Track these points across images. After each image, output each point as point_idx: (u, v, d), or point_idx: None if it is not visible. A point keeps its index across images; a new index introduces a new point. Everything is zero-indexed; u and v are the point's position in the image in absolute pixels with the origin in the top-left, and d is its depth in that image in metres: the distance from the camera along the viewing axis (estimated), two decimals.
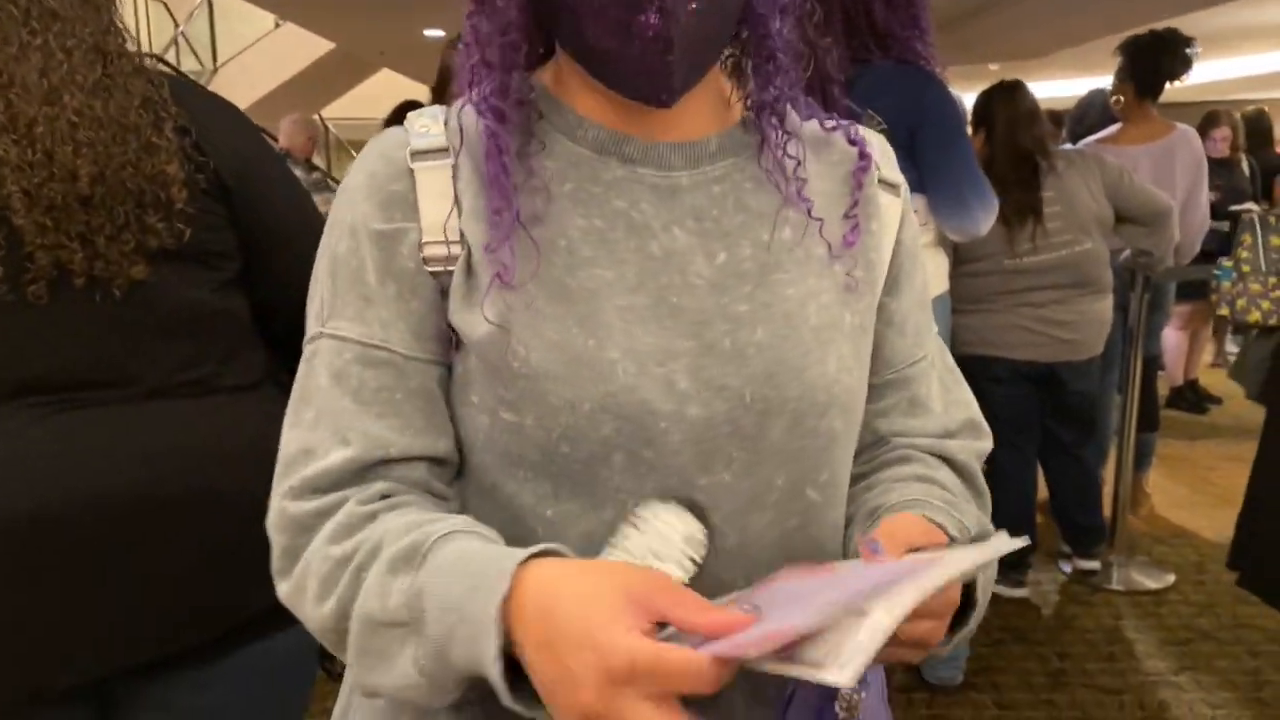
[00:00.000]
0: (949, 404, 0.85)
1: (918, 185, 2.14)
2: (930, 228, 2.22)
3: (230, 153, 1.12)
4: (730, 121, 0.78)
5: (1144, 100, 3.39)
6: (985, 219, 2.19)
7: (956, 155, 2.13)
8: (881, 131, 0.89)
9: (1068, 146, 3.59)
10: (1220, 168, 4.77)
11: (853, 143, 0.81)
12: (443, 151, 0.72)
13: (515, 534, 0.69)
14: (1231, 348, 6.40)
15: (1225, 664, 2.79)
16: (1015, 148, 2.80)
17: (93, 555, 1.03)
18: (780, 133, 0.77)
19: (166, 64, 6.43)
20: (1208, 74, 9.61)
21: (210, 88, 1.34)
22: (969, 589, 0.72)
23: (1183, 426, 5.17)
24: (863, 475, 0.82)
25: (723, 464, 0.70)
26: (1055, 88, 9.93)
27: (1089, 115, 4.05)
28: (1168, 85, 3.36)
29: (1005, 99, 2.88)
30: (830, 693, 0.66)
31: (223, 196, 1.11)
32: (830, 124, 0.80)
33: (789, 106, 0.77)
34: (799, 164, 0.76)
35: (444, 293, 0.71)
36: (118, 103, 1.03)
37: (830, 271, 0.76)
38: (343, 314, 0.71)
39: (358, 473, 0.68)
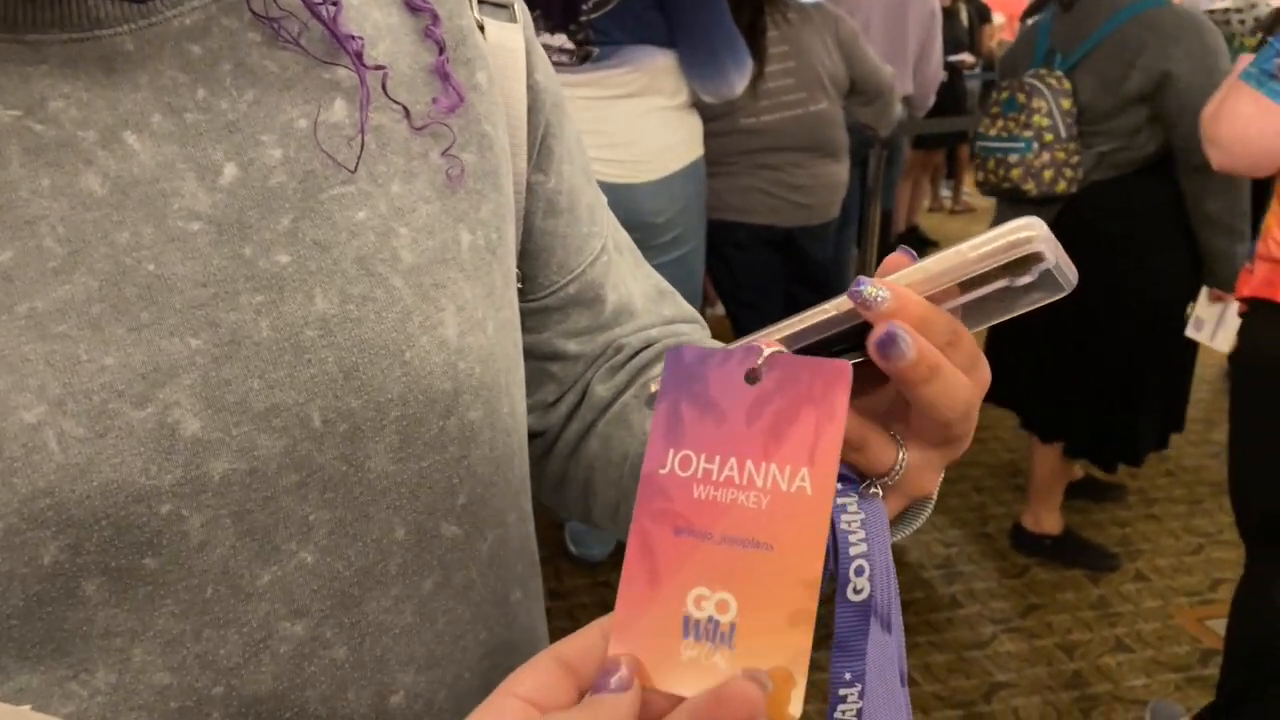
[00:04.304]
0: (650, 293, 0.64)
1: (669, 40, 1.99)
2: (684, 88, 2.07)
3: None
4: None
5: None
6: (740, 79, 2.08)
7: (710, 8, 1.99)
8: None
9: None
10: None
11: None
12: None
13: None
14: (945, 192, 6.81)
15: (955, 502, 2.99)
16: None
17: None
18: None
19: None
20: None
21: None
22: None
23: None
24: (588, 430, 0.61)
25: (297, 538, 0.43)
26: None
27: None
28: None
29: None
30: None
31: None
32: None
33: None
34: None
35: None
36: None
37: (423, 164, 0.48)
38: None
39: None
